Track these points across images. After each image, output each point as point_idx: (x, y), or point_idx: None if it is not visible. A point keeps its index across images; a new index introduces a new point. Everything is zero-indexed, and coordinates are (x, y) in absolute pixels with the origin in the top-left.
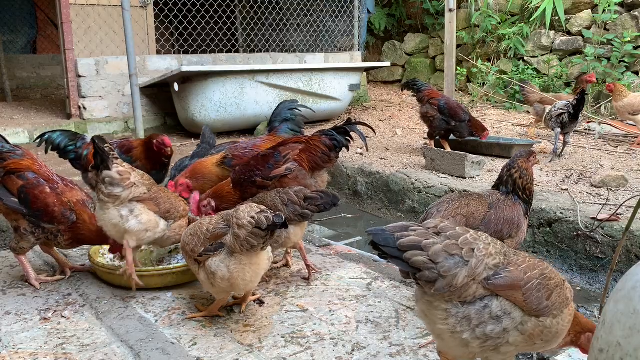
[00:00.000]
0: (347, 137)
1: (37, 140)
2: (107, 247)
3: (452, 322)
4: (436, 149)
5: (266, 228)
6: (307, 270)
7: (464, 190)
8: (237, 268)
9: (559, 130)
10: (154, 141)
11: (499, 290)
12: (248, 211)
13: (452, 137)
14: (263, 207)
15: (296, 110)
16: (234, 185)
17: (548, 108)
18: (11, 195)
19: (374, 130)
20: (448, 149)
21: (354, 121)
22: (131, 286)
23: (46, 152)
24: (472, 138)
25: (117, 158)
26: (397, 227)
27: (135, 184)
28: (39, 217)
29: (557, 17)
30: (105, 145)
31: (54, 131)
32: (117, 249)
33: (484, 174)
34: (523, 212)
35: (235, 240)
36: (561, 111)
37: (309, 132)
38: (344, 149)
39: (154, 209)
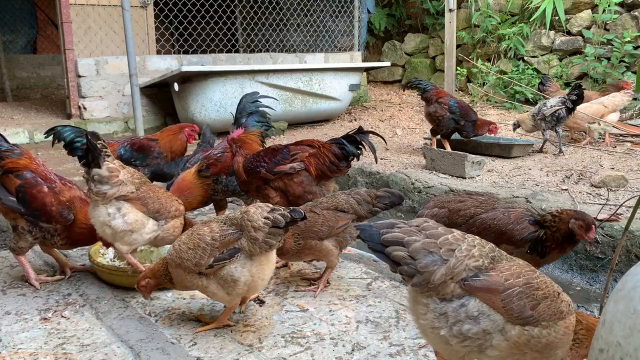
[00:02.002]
0: (359, 147)
1: (46, 134)
2: (107, 247)
3: (430, 317)
4: (436, 149)
5: (284, 225)
6: (318, 281)
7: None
8: (258, 270)
9: (550, 132)
10: (186, 130)
11: (475, 292)
12: (260, 212)
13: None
14: (271, 206)
15: (258, 102)
16: (245, 173)
17: (534, 109)
18: (9, 195)
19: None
20: (448, 149)
21: (365, 130)
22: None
23: (53, 144)
24: (475, 138)
25: (109, 155)
26: (384, 224)
27: (123, 182)
28: (36, 216)
29: (557, 17)
30: (98, 142)
31: (65, 126)
32: (107, 244)
33: (484, 174)
34: (529, 236)
35: (252, 243)
36: (557, 107)
37: (309, 131)
38: (355, 158)
39: (141, 208)
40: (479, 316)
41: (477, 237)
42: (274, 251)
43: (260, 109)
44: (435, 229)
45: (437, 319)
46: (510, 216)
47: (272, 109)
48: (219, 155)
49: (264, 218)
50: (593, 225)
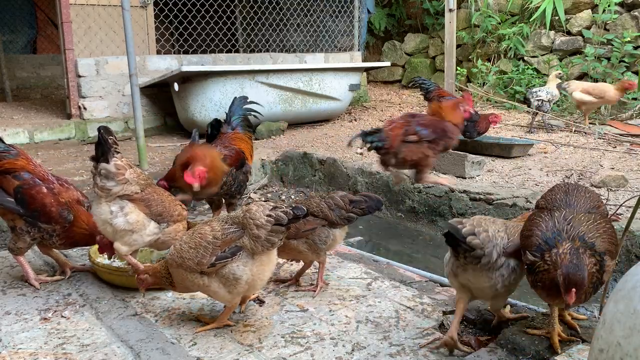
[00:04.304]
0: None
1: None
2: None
3: (493, 281)
4: None
5: (287, 223)
6: (317, 282)
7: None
8: (259, 269)
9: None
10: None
11: (511, 254)
12: (262, 210)
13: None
14: (273, 204)
15: (246, 107)
16: None
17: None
18: (7, 195)
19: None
20: None
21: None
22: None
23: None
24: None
25: (118, 152)
26: (458, 221)
27: (128, 180)
28: (36, 217)
29: (557, 17)
30: (110, 137)
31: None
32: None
33: (484, 174)
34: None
35: (255, 241)
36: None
37: (309, 131)
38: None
39: (144, 210)
40: (515, 266)
41: (498, 221)
42: (275, 250)
43: (246, 114)
44: (486, 223)
45: (498, 280)
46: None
47: (260, 113)
48: (231, 150)
49: (267, 216)
50: (575, 287)
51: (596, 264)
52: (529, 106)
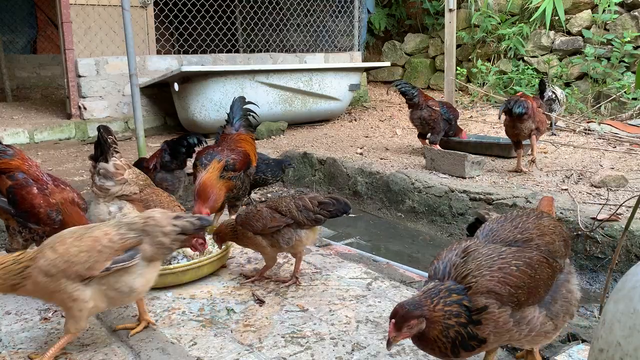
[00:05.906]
0: None
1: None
2: None
3: None
4: (436, 148)
5: (191, 233)
6: (295, 276)
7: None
8: (153, 275)
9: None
10: None
11: None
12: (166, 217)
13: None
14: (177, 213)
15: (245, 107)
16: None
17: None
18: (1, 195)
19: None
20: (438, 149)
21: None
22: None
23: None
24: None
25: (117, 152)
26: (484, 213)
27: (127, 181)
28: (25, 218)
29: (557, 17)
30: (109, 136)
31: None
32: None
33: (484, 174)
34: None
35: (158, 247)
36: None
37: (309, 131)
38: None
39: (142, 211)
40: None
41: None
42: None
43: (248, 116)
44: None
45: None
46: None
47: (257, 114)
48: (234, 151)
49: (173, 225)
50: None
51: (459, 316)
52: None
